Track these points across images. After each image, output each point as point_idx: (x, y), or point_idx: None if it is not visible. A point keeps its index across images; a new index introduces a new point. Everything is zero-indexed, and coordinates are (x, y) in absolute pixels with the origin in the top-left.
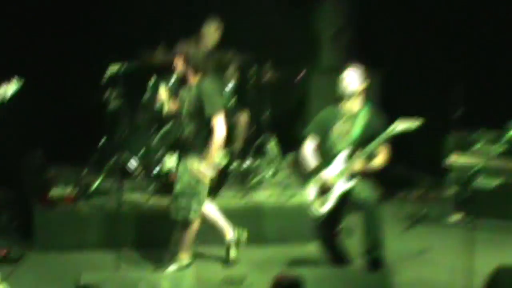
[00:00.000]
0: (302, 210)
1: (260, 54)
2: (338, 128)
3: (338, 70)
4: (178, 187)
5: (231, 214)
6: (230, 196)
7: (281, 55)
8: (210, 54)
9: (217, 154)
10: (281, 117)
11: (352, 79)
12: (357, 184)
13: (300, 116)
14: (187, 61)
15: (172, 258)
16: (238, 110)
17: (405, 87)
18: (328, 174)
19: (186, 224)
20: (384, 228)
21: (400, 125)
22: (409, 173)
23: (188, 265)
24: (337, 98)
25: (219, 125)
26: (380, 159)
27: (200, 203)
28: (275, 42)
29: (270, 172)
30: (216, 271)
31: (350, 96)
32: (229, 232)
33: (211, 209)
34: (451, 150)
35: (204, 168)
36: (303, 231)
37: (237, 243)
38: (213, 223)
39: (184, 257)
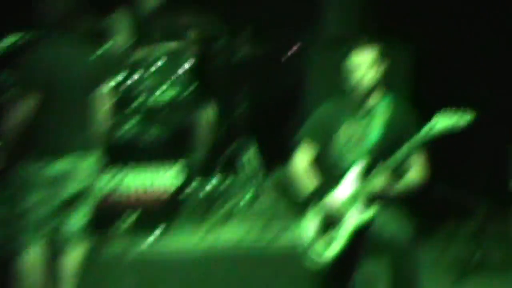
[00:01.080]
0: (295, 256)
1: (233, 18)
2: (347, 131)
3: (347, 44)
4: None
5: (186, 264)
6: (185, 236)
7: (265, 20)
8: (154, 17)
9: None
10: (264, 114)
11: (367, 59)
12: (379, 213)
13: (291, 112)
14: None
15: None
16: (199, 103)
17: (446, 71)
18: (335, 199)
19: None
20: (421, 280)
21: (442, 122)
22: (457, 198)
23: None
24: (345, 86)
25: None
26: (412, 175)
27: None
28: (256, 1)
29: (247, 197)
30: None
31: (364, 83)
32: None
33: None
34: None
35: None
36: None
37: None
38: None
39: None
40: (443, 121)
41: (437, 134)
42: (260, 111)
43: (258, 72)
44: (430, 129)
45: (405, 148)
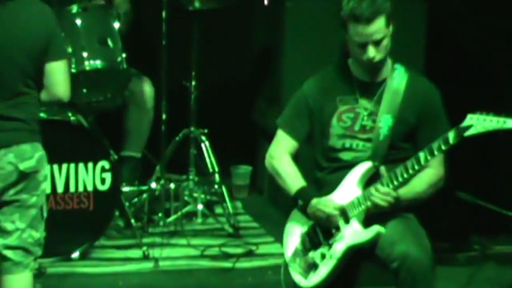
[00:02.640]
0: (269, 281)
1: None
2: (344, 116)
3: None
4: None
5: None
6: (118, 253)
7: None
8: None
9: None
10: (223, 91)
11: (373, 13)
12: (389, 225)
13: (264, 89)
14: None
15: None
16: (134, 76)
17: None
18: (328, 207)
19: None
20: None
21: (480, 123)
22: (485, 208)
23: None
24: (341, 51)
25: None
26: (428, 179)
27: None
28: None
29: (199, 207)
30: None
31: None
32: None
33: None
34: None
35: None
36: None
37: None
38: None
39: None
40: (482, 124)
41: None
42: (216, 86)
43: (215, 30)
44: (459, 133)
45: (436, 143)
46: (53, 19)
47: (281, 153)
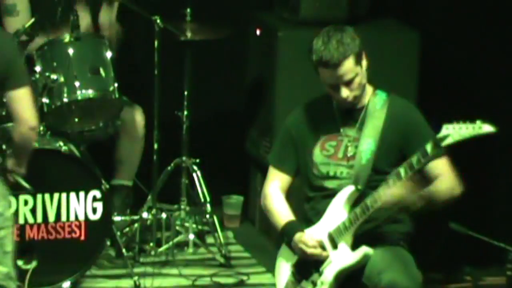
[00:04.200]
0: None
1: None
2: (327, 144)
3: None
4: None
5: None
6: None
7: None
8: None
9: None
10: (215, 120)
11: (340, 57)
12: (376, 253)
13: (256, 119)
14: None
15: None
16: (125, 104)
17: (457, 61)
18: (307, 246)
19: None
20: None
21: (456, 132)
22: (477, 239)
23: None
24: (325, 82)
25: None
26: (447, 182)
27: None
28: None
29: (190, 236)
30: None
31: (346, 76)
32: None
33: None
34: None
35: None
36: None
37: None
38: None
39: None
40: (458, 132)
41: (452, 142)
42: (208, 116)
43: (207, 61)
44: (444, 137)
45: (421, 151)
46: (14, 46)
47: (272, 191)
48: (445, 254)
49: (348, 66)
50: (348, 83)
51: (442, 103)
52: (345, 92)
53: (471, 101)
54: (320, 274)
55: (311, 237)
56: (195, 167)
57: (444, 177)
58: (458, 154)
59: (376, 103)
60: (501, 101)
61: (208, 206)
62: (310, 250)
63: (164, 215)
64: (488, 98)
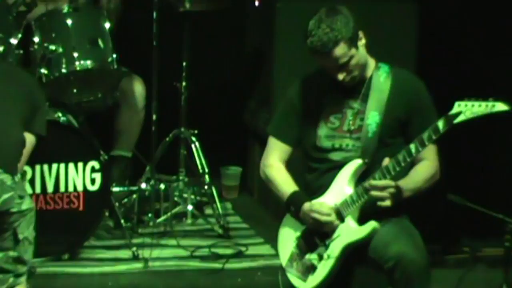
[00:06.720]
0: (259, 282)
1: None
2: (332, 117)
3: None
4: None
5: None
6: (109, 253)
7: None
8: None
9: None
10: (213, 92)
11: (331, 44)
12: (382, 227)
13: (255, 90)
14: None
15: None
16: (125, 75)
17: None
18: (322, 213)
19: None
20: None
21: (467, 112)
22: (475, 210)
23: None
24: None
25: None
26: (426, 170)
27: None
28: None
29: (189, 207)
30: None
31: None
32: None
33: None
34: None
35: None
36: None
37: None
38: None
39: None
40: (470, 109)
41: (463, 121)
42: (207, 87)
43: (205, 31)
44: (456, 114)
45: (426, 134)
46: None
47: (273, 161)
48: (443, 225)
49: (340, 52)
50: (343, 66)
51: (441, 74)
52: (341, 75)
53: (470, 72)
54: (327, 247)
55: (324, 206)
56: (193, 138)
57: (429, 162)
58: (457, 124)
59: (379, 75)
60: (500, 71)
61: (207, 177)
62: (324, 218)
63: (162, 186)
64: (487, 68)
